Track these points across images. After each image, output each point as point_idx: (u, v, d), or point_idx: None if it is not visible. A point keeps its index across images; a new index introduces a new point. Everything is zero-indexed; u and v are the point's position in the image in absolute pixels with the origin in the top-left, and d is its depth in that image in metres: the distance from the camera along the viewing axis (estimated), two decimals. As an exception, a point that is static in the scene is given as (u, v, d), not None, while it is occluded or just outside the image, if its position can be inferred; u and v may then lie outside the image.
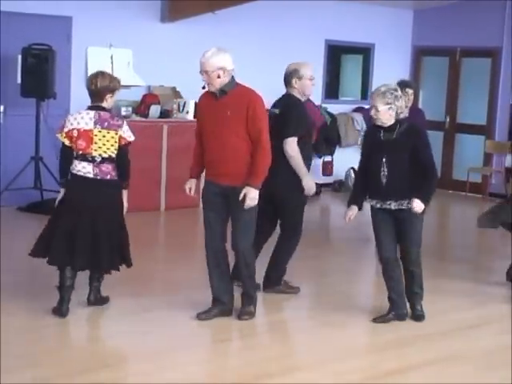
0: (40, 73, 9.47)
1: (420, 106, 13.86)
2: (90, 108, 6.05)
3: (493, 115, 13.23)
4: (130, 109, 10.49)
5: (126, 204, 6.27)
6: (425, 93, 14.05)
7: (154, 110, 10.53)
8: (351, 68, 14.14)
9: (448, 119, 13.78)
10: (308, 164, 6.72)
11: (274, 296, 6.81)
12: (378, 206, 6.15)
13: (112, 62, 10.84)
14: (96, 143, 5.96)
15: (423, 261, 8.38)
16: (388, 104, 5.99)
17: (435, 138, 13.60)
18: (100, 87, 5.98)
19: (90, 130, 5.95)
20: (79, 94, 10.58)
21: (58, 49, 9.72)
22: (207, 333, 6.01)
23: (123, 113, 10.40)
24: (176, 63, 11.04)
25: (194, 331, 6.00)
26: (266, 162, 5.89)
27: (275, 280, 6.90)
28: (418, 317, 6.36)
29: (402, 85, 9.09)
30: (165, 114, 10.68)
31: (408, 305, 6.39)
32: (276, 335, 5.94)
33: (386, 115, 6.02)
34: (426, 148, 6.14)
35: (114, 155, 6.04)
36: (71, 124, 5.99)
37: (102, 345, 5.72)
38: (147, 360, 5.31)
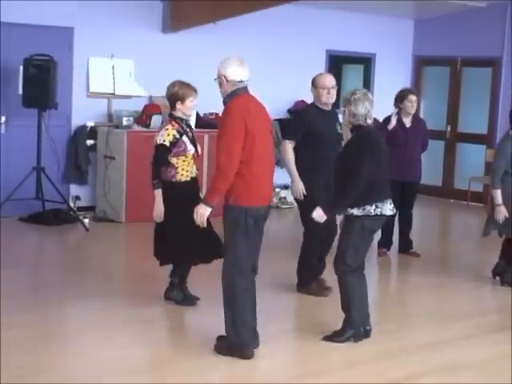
0: (41, 83, 9.49)
1: (421, 115, 13.88)
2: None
3: (494, 124, 13.24)
4: (132, 119, 10.51)
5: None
6: (426, 102, 14.06)
7: (156, 120, 10.53)
8: (352, 78, 14.15)
9: (449, 128, 13.79)
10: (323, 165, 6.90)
11: (281, 304, 6.82)
12: None
13: (113, 73, 10.87)
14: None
15: (425, 269, 8.40)
16: (343, 107, 5.97)
17: (436, 148, 13.66)
18: (169, 95, 6.82)
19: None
20: (81, 105, 10.64)
21: (59, 59, 9.73)
22: (210, 342, 6.00)
23: (124, 123, 10.42)
24: (177, 73, 10.99)
25: (197, 340, 6.00)
26: (215, 182, 5.43)
27: (305, 280, 7.16)
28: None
29: (405, 92, 9.14)
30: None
31: None
32: (281, 344, 5.93)
33: (344, 118, 6.04)
34: (357, 157, 5.81)
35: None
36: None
37: (103, 354, 5.71)
38: (151, 369, 5.31)
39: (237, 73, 5.63)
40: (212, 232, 6.60)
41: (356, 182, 5.76)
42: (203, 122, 11.10)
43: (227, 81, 5.64)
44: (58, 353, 5.65)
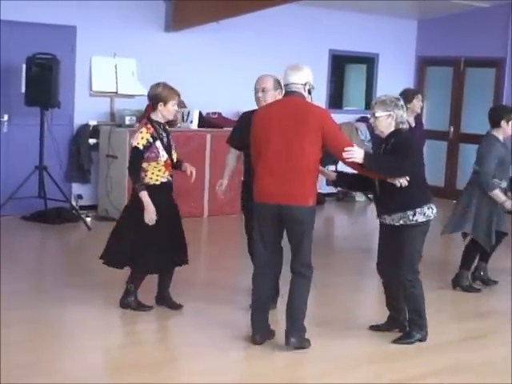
0: (44, 82, 9.49)
1: (424, 115, 13.86)
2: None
3: (497, 125, 13.21)
4: (134, 118, 10.50)
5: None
6: (429, 103, 14.03)
7: (158, 120, 10.52)
8: (355, 78, 14.14)
9: (452, 129, 13.78)
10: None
11: (278, 303, 6.81)
12: (377, 218, 6.17)
13: (116, 72, 10.87)
14: None
15: (426, 271, 8.38)
16: (387, 111, 5.94)
17: (439, 148, 13.66)
18: (151, 95, 6.55)
19: None
20: (83, 103, 10.64)
21: (62, 58, 9.74)
22: (212, 342, 5.99)
23: (127, 122, 10.42)
24: (180, 73, 11.04)
25: (199, 340, 5.99)
26: None
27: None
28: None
29: (412, 91, 9.17)
30: (169, 123, 10.65)
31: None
32: (280, 346, 5.92)
33: (384, 123, 5.97)
34: (403, 153, 5.87)
35: None
36: None
37: (102, 354, 5.70)
38: (151, 369, 5.31)
39: (285, 77, 5.92)
40: (178, 238, 6.55)
41: (403, 166, 5.82)
42: (206, 121, 11.09)
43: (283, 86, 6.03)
44: (59, 352, 5.65)
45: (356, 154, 5.71)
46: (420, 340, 6.09)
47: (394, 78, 13.40)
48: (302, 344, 5.80)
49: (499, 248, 8.08)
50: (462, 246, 8.09)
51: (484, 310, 7.34)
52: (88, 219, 9.92)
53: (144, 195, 6.30)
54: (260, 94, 6.50)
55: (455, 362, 5.83)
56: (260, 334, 5.85)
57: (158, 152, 6.38)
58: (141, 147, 6.31)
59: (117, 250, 6.56)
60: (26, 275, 7.57)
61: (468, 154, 13.77)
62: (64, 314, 6.59)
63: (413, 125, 8.92)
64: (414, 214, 5.94)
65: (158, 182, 6.43)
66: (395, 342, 6.10)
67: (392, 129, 5.98)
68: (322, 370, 5.56)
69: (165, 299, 6.70)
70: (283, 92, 6.25)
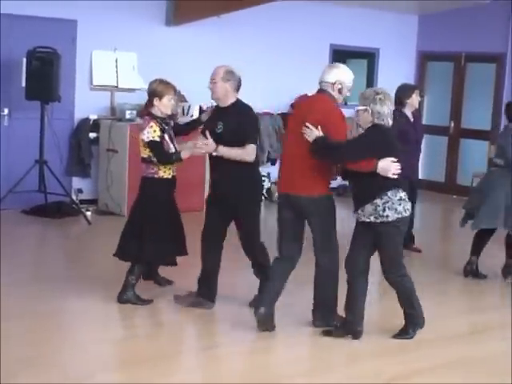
0: (44, 76, 9.48)
1: (425, 111, 13.88)
2: None
3: (497, 120, 13.21)
4: (135, 112, 10.49)
5: None
6: (429, 98, 14.03)
7: (159, 114, 10.51)
8: (356, 72, 13.89)
9: (452, 124, 13.77)
10: None
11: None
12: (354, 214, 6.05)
13: (117, 66, 10.87)
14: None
15: (426, 265, 8.40)
16: (364, 106, 5.91)
17: (439, 143, 13.66)
18: (148, 91, 6.61)
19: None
20: (84, 97, 10.63)
21: (62, 52, 9.73)
22: (211, 337, 6.00)
23: (127, 116, 10.41)
24: (181, 67, 11.05)
25: (198, 335, 6.00)
26: None
27: None
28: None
29: (411, 86, 9.19)
30: (169, 117, 10.66)
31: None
32: (278, 341, 5.92)
33: (361, 116, 5.95)
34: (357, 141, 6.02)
35: (145, 156, 6.47)
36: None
37: (102, 348, 5.71)
38: (150, 363, 5.31)
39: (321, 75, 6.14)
40: (180, 230, 6.67)
41: (346, 149, 5.88)
42: (206, 115, 11.07)
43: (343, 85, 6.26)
44: (58, 345, 5.66)
45: (312, 133, 5.85)
46: (419, 328, 6.07)
47: (394, 72, 13.38)
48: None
49: (503, 241, 8.08)
50: (461, 238, 8.09)
51: (485, 304, 7.34)
52: (88, 213, 9.92)
53: (186, 154, 6.42)
54: (211, 86, 6.50)
55: (455, 356, 5.83)
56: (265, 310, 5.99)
57: (168, 145, 6.46)
58: (157, 139, 6.39)
59: (127, 244, 6.58)
60: (25, 269, 7.58)
61: (468, 149, 13.80)
62: (64, 307, 6.59)
63: (411, 120, 8.93)
64: (384, 210, 5.75)
65: (170, 176, 6.52)
66: (395, 337, 6.08)
67: (369, 124, 5.93)
68: (321, 366, 5.57)
69: (153, 275, 7.00)
70: (237, 83, 6.47)
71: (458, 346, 6.07)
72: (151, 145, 6.39)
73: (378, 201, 5.75)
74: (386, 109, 5.87)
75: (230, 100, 6.45)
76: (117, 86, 10.88)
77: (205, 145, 6.26)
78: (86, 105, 10.62)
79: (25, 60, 9.67)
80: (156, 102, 6.49)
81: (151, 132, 6.38)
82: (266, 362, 5.58)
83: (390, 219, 5.76)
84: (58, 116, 10.06)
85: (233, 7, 10.80)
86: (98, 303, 6.58)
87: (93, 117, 10.65)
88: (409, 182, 8.76)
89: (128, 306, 6.51)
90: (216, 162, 6.41)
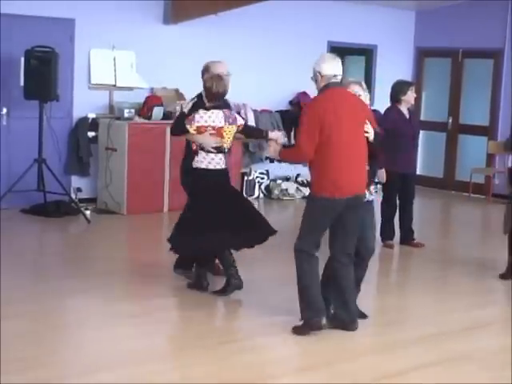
0: (43, 75, 9.47)
1: (423, 107, 13.90)
2: (214, 107, 6.67)
3: (495, 116, 13.23)
4: (133, 111, 10.49)
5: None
6: (427, 94, 14.05)
7: (157, 112, 10.52)
8: (354, 69, 14.12)
9: (451, 120, 13.78)
10: None
11: (274, 297, 6.83)
12: None
13: (115, 64, 10.86)
14: (225, 137, 6.69)
15: (426, 261, 8.42)
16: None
17: (438, 139, 13.67)
18: (223, 91, 6.66)
19: (222, 127, 6.64)
20: (82, 96, 10.63)
21: (60, 51, 9.72)
22: (213, 334, 6.01)
23: (126, 114, 10.41)
24: (179, 65, 11.06)
25: (200, 332, 6.01)
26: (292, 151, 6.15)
27: None
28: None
29: (407, 83, 9.20)
30: (168, 115, 10.68)
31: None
32: (277, 337, 5.93)
33: None
34: None
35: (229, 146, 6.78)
36: (205, 121, 6.62)
37: (103, 346, 5.71)
38: (150, 361, 5.33)
39: (330, 67, 5.86)
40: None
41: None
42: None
43: (321, 76, 5.86)
44: (58, 344, 5.67)
45: (370, 131, 5.92)
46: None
47: (392, 69, 13.38)
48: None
49: (502, 236, 8.08)
50: (460, 233, 8.09)
51: (484, 299, 7.35)
52: (87, 212, 9.92)
53: (276, 133, 6.73)
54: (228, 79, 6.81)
55: (456, 351, 5.83)
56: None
57: None
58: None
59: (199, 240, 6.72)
60: (25, 268, 7.58)
61: (467, 144, 13.81)
62: (63, 306, 6.60)
63: (407, 116, 8.94)
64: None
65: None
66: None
67: None
68: (319, 361, 5.57)
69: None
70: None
71: (458, 340, 6.07)
72: (247, 125, 6.86)
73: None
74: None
75: None
76: (115, 85, 10.87)
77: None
78: (85, 103, 10.62)
79: (23, 59, 9.67)
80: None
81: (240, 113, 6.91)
82: (264, 359, 5.59)
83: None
84: (57, 115, 10.05)
85: (231, 5, 10.80)
86: (98, 301, 6.58)
87: (91, 115, 10.65)
88: (403, 176, 8.85)
89: (128, 304, 6.53)
90: None
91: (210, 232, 6.58)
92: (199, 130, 6.59)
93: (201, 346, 5.67)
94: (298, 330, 5.92)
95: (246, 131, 6.89)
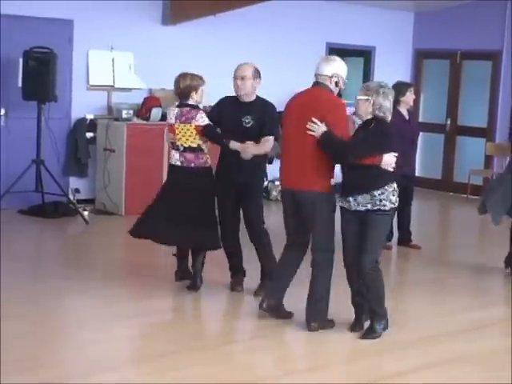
0: (41, 76, 9.47)
1: (421, 108, 13.91)
2: (177, 106, 6.90)
3: (493, 117, 13.24)
4: (132, 111, 10.50)
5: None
6: (426, 95, 14.05)
7: (156, 113, 10.52)
8: (352, 71, 14.01)
9: (449, 122, 13.79)
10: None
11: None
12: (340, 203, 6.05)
13: (113, 65, 10.86)
14: (177, 134, 6.78)
15: (425, 262, 8.41)
16: (366, 96, 5.92)
17: (436, 141, 13.67)
18: (183, 87, 6.83)
19: (173, 124, 6.83)
20: (80, 97, 10.63)
21: (59, 52, 9.72)
22: (212, 335, 6.00)
23: (124, 115, 10.41)
24: (177, 66, 10.98)
25: (195, 334, 6.00)
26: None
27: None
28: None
29: (405, 84, 9.21)
30: (166, 116, 10.67)
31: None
32: (276, 338, 5.93)
33: (362, 107, 5.97)
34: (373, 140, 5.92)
35: (194, 145, 6.73)
36: (170, 118, 6.91)
37: (103, 347, 5.71)
38: (149, 362, 5.32)
39: (316, 67, 6.15)
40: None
41: (355, 148, 5.87)
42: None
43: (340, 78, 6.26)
44: (57, 345, 5.66)
45: (317, 128, 5.88)
46: (383, 329, 6.01)
47: (390, 70, 13.38)
48: (323, 326, 6.03)
49: (500, 237, 8.10)
50: (458, 235, 8.10)
51: (484, 300, 7.35)
52: (85, 213, 9.91)
53: (234, 145, 6.67)
54: (239, 82, 6.78)
55: (455, 352, 5.83)
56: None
57: None
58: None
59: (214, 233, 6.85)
60: (24, 269, 7.57)
61: (465, 146, 13.82)
62: (62, 306, 6.60)
63: (406, 117, 8.95)
64: (381, 200, 5.81)
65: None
66: (363, 337, 5.98)
67: (369, 115, 5.95)
68: (320, 363, 5.57)
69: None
70: (261, 81, 6.86)
71: (457, 342, 6.07)
72: (208, 128, 6.70)
73: (375, 191, 5.80)
74: (388, 103, 5.91)
75: (254, 95, 6.87)
76: (113, 86, 10.87)
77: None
78: (83, 104, 10.61)
79: (21, 60, 9.66)
80: (193, 95, 6.82)
81: (204, 117, 6.71)
82: (264, 360, 5.59)
83: (386, 208, 5.83)
84: (55, 116, 10.05)
85: (229, 6, 10.81)
86: (97, 302, 6.57)
87: (89, 116, 10.65)
88: (404, 178, 8.87)
89: (127, 305, 6.52)
90: (233, 152, 6.67)
91: (154, 219, 6.80)
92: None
93: (200, 347, 5.67)
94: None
95: (206, 134, 6.74)
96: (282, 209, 6.20)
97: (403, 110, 8.90)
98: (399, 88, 8.93)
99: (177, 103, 6.97)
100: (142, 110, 10.56)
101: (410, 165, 8.92)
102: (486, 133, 13.34)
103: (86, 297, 6.69)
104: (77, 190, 10.53)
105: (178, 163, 6.82)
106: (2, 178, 9.79)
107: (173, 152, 6.90)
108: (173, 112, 6.86)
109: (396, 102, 8.81)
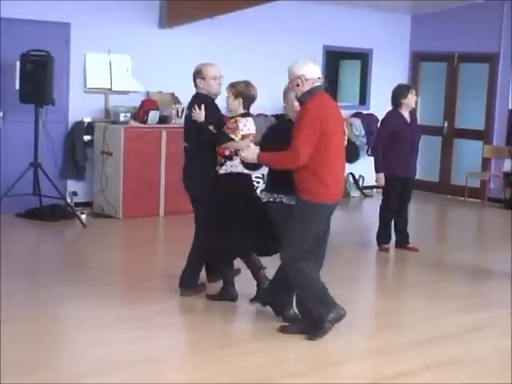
0: (38, 79, 9.46)
1: (418, 111, 13.90)
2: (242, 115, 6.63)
3: (491, 120, 13.25)
4: (129, 115, 10.49)
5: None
6: (423, 98, 14.05)
7: (153, 116, 10.52)
8: (349, 73, 14.15)
9: (446, 124, 13.79)
10: None
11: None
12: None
13: (110, 68, 10.86)
14: None
15: (422, 265, 8.42)
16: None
17: (433, 143, 13.67)
18: (253, 94, 6.70)
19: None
20: (78, 100, 10.62)
21: (56, 55, 9.71)
22: (212, 338, 6.00)
23: (122, 118, 10.40)
24: (174, 69, 11.05)
25: (198, 336, 6.00)
26: (285, 157, 5.77)
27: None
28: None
29: (406, 86, 9.24)
30: (163, 119, 10.68)
31: None
32: (276, 340, 5.93)
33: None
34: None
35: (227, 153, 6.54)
36: (248, 129, 6.56)
37: (101, 351, 5.70)
38: (148, 365, 5.32)
39: (314, 70, 5.84)
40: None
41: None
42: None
43: (306, 79, 5.77)
44: (56, 349, 5.66)
45: (248, 154, 5.85)
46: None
47: (388, 73, 13.41)
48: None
49: (498, 239, 8.10)
50: (456, 237, 8.08)
51: (482, 302, 7.35)
52: (83, 216, 9.90)
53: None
54: (219, 82, 6.80)
55: (452, 355, 5.84)
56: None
57: None
58: None
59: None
60: (21, 272, 7.56)
61: (462, 148, 13.82)
62: (60, 310, 6.60)
63: (408, 120, 8.95)
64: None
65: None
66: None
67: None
68: (316, 365, 5.57)
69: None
70: None
71: (456, 344, 6.07)
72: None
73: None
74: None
75: None
76: (111, 89, 10.86)
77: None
78: (80, 107, 10.61)
79: (18, 63, 9.66)
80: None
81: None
82: (265, 361, 5.58)
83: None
84: (52, 119, 10.03)
85: (226, 9, 10.80)
86: (95, 306, 6.56)
87: (87, 119, 10.64)
88: (402, 180, 8.89)
89: (126, 309, 6.52)
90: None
91: (236, 234, 6.47)
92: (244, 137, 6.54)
93: (199, 350, 5.67)
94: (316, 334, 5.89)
95: None
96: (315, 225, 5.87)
97: (405, 113, 8.90)
98: (400, 90, 8.95)
99: (243, 111, 6.69)
100: (140, 113, 10.55)
101: (408, 167, 8.92)
102: (484, 135, 13.34)
103: (84, 300, 6.68)
104: (74, 193, 10.53)
105: (246, 171, 6.60)
106: (0, 181, 9.77)
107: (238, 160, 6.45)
108: (251, 122, 6.68)
109: (398, 105, 8.85)
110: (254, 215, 6.46)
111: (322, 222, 5.90)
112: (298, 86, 5.78)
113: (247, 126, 6.55)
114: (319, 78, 5.83)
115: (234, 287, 6.74)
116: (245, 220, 6.46)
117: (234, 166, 6.54)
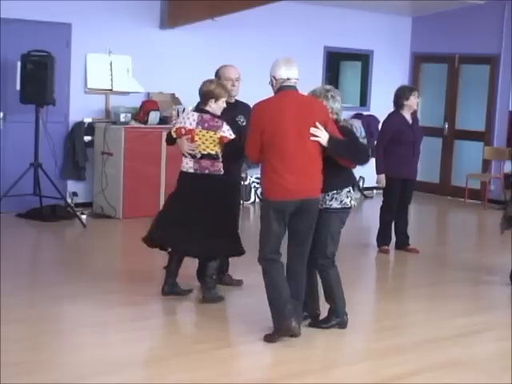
0: (39, 79, 9.47)
1: (419, 112, 13.89)
2: (196, 110, 6.68)
3: (491, 122, 13.25)
4: (129, 115, 10.50)
5: None
6: (423, 99, 14.02)
7: (153, 117, 10.53)
8: (350, 75, 14.15)
9: (447, 126, 13.79)
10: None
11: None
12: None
13: (111, 69, 10.86)
14: (196, 141, 6.55)
15: (422, 266, 8.42)
16: None
17: (434, 145, 13.67)
18: (205, 91, 6.59)
19: (193, 130, 6.57)
20: (78, 101, 10.63)
21: (57, 55, 9.72)
22: (209, 339, 6.00)
23: (122, 119, 10.41)
24: (175, 70, 11.06)
25: (195, 337, 6.00)
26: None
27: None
28: None
29: (409, 88, 9.24)
30: (164, 120, 10.69)
31: None
32: (274, 342, 5.92)
33: None
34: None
35: (213, 152, 6.55)
36: (179, 122, 6.71)
37: (100, 351, 5.70)
38: (146, 366, 5.32)
39: (283, 71, 5.92)
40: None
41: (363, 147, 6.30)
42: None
43: (276, 79, 5.94)
44: (55, 349, 5.65)
45: (322, 135, 5.76)
46: (339, 326, 6.10)
47: (388, 74, 13.42)
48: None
49: (497, 243, 8.08)
50: (456, 239, 8.08)
51: (480, 305, 7.34)
52: (83, 216, 9.91)
53: None
54: (235, 84, 6.98)
55: (452, 357, 5.83)
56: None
57: None
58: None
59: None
60: (21, 272, 7.57)
61: (463, 150, 13.82)
62: (60, 310, 6.59)
63: (410, 122, 8.95)
64: (331, 199, 6.01)
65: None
66: (311, 325, 6.13)
67: None
68: (317, 366, 5.57)
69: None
70: None
71: (457, 346, 6.07)
72: (235, 142, 6.54)
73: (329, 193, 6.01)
74: (338, 104, 6.08)
75: None
76: (111, 89, 10.87)
77: None
78: (81, 108, 10.61)
79: (19, 63, 9.66)
80: (211, 102, 6.59)
81: (230, 130, 6.58)
82: (265, 362, 5.58)
83: (333, 207, 6.00)
84: (53, 119, 10.04)
85: (227, 10, 10.80)
86: (95, 306, 6.56)
87: (87, 120, 10.64)
88: (403, 182, 8.90)
89: (125, 310, 6.52)
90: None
91: (172, 228, 6.62)
92: (177, 132, 6.69)
93: (196, 351, 5.66)
94: (268, 338, 5.87)
95: (231, 148, 6.57)
96: (271, 223, 5.81)
97: (406, 114, 8.90)
98: (403, 92, 8.95)
99: (192, 107, 6.87)
100: (140, 114, 10.56)
101: (409, 169, 8.91)
102: (484, 137, 13.34)
103: (84, 300, 6.68)
104: (74, 194, 10.53)
105: (191, 170, 6.62)
106: (0, 181, 9.78)
107: (186, 160, 6.63)
108: (192, 116, 6.62)
109: (400, 106, 8.85)
110: (195, 215, 6.55)
111: (280, 220, 5.77)
112: (272, 86, 5.99)
113: (185, 119, 6.66)
114: (288, 78, 5.86)
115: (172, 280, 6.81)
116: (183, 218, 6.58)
117: (187, 166, 6.67)
